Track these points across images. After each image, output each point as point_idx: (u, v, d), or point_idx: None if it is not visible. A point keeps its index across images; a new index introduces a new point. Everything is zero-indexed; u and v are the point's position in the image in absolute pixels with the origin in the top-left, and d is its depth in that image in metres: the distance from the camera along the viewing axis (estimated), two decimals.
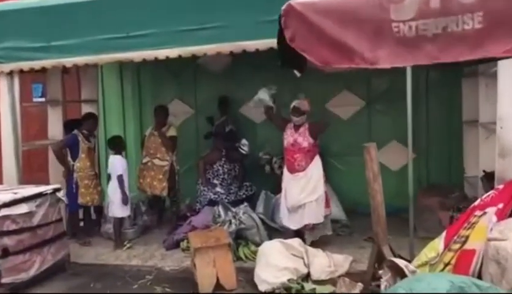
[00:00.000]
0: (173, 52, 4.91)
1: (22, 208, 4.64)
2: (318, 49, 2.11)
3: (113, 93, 7.61)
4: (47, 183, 6.07)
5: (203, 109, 7.49)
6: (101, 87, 7.34)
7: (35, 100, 8.34)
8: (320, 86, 6.79)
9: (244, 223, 5.25)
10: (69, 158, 6.04)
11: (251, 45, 4.69)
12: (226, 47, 4.78)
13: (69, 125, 6.41)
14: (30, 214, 4.73)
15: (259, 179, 6.83)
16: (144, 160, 6.38)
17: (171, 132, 6.36)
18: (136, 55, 5.00)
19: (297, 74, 2.86)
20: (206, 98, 7.51)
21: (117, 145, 6.02)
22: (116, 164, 5.79)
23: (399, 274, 3.50)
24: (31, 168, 7.09)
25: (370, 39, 1.97)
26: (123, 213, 5.82)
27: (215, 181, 6.50)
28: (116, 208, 5.76)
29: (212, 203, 6.17)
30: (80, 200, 6.00)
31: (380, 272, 3.77)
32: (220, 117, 7.04)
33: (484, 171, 4.90)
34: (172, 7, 4.85)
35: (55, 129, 6.20)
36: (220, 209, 5.53)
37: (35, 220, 4.80)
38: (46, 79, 6.97)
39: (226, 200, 6.21)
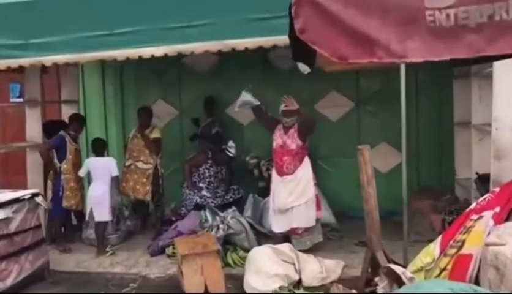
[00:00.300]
0: (158, 50, 4.69)
1: None
2: (333, 41, 1.89)
3: (94, 93, 7.38)
4: (24, 187, 5.82)
5: (188, 110, 7.30)
6: (82, 87, 7.10)
7: (12, 100, 8.02)
8: (308, 87, 6.68)
9: (232, 228, 5.07)
10: (55, 160, 5.82)
11: (240, 43, 4.51)
12: (214, 45, 4.58)
13: (49, 127, 6.16)
14: (6, 221, 4.48)
15: (246, 182, 6.66)
16: (127, 163, 6.16)
17: (155, 134, 6.15)
18: (120, 53, 4.76)
19: (306, 70, 2.66)
20: (191, 98, 7.32)
21: (100, 147, 5.82)
22: (111, 165, 5.63)
23: (396, 280, 3.38)
24: (7, 171, 6.81)
25: (398, 29, 1.73)
26: (110, 217, 5.64)
27: (201, 184, 6.31)
28: (105, 212, 5.55)
29: (199, 207, 5.98)
30: (65, 204, 5.78)
31: (376, 279, 3.63)
32: (206, 119, 6.85)
33: (477, 173, 4.82)
34: (158, 4, 4.63)
35: (33, 131, 5.92)
36: (207, 214, 5.34)
37: (12, 227, 4.55)
38: (24, 78, 6.69)
39: (213, 204, 6.03)
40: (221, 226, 5.05)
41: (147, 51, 4.72)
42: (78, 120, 6.04)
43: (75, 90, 6.87)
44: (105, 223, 5.64)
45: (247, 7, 4.48)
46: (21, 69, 5.61)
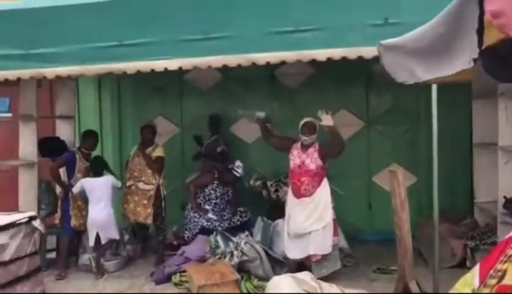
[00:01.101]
0: (172, 63, 4.40)
1: None
2: None
3: (90, 109, 7.04)
4: (15, 209, 5.39)
5: (190, 128, 6.98)
6: (76, 102, 6.73)
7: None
8: (316, 105, 6.33)
9: (246, 255, 4.72)
10: (65, 178, 5.50)
11: (261, 57, 4.26)
12: (233, 59, 4.31)
13: (44, 144, 5.75)
14: (2, 247, 4.04)
15: (253, 204, 6.33)
16: (128, 183, 5.75)
17: (158, 152, 5.78)
18: (130, 66, 4.44)
19: (407, 81, 2.32)
20: (193, 115, 7.01)
21: (100, 167, 5.46)
22: (111, 182, 5.46)
23: None
24: None
25: None
26: (118, 235, 5.49)
27: (207, 206, 5.94)
28: (113, 231, 5.37)
29: (205, 231, 5.61)
30: (73, 222, 5.45)
31: None
32: (210, 137, 6.52)
33: (505, 197, 4.61)
34: (173, 14, 4.36)
35: (27, 148, 5.48)
36: (219, 239, 4.99)
37: (8, 254, 4.10)
38: (13, 92, 6.26)
39: (220, 228, 5.67)
40: (235, 252, 4.70)
41: (160, 64, 4.42)
42: (94, 137, 5.76)
43: (70, 105, 6.48)
44: (114, 241, 5.44)
45: (268, 19, 4.25)
46: (12, 82, 5.21)
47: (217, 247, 4.93)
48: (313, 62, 4.45)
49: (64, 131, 6.39)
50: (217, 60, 4.35)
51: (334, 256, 4.96)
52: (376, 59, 3.41)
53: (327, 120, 4.66)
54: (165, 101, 7.12)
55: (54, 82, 6.20)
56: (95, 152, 5.99)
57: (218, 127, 6.53)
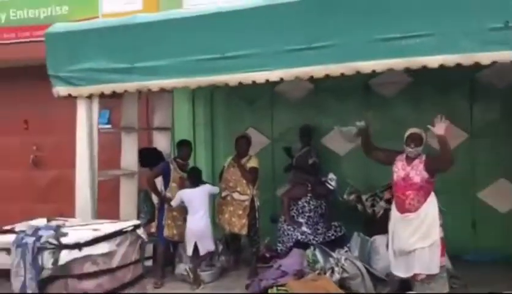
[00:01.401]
0: (272, 75, 4.35)
1: (103, 247, 4.09)
2: None
3: (184, 121, 7.17)
4: (115, 216, 5.61)
5: (280, 139, 6.93)
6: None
7: (100, 126, 7.94)
8: (416, 116, 6.11)
9: (347, 272, 4.53)
10: (161, 188, 5.62)
11: (366, 66, 4.09)
12: (336, 68, 4.18)
13: (144, 155, 5.95)
14: (110, 254, 4.17)
15: (346, 218, 6.12)
16: (223, 194, 5.79)
17: (253, 163, 5.77)
18: (232, 78, 4.46)
19: None
20: (284, 127, 6.96)
21: (196, 177, 5.56)
22: (208, 191, 5.57)
23: None
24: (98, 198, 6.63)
25: None
26: (214, 247, 5.56)
27: (301, 219, 5.82)
28: (210, 242, 5.43)
29: (300, 244, 5.49)
30: (165, 233, 5.55)
31: None
32: (300, 148, 6.42)
33: None
34: (275, 25, 4.31)
35: (129, 158, 5.71)
36: (317, 253, 4.83)
37: (115, 261, 4.23)
38: (112, 104, 6.56)
39: (314, 241, 5.53)
40: (336, 269, 4.53)
41: (260, 76, 4.40)
42: (188, 146, 5.85)
43: (167, 117, 6.67)
44: (210, 253, 5.46)
45: (374, 26, 4.07)
46: (116, 95, 5.43)
47: (315, 261, 4.78)
48: (409, 71, 4.21)
49: (161, 143, 6.58)
50: (319, 70, 4.24)
51: (442, 279, 4.62)
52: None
53: (440, 128, 4.37)
54: (256, 113, 7.13)
55: (150, 95, 6.44)
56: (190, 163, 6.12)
57: (309, 139, 6.42)
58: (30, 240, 3.83)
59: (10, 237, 4.02)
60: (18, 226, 4.32)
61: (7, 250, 3.93)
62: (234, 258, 6.03)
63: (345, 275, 4.54)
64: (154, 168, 5.86)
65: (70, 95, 5.02)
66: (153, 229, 5.89)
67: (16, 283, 3.81)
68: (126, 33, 4.90)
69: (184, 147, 5.85)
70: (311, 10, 4.25)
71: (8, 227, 4.39)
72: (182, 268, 5.50)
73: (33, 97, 8.08)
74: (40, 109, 8.14)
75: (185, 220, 5.57)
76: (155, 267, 5.80)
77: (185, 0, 7.13)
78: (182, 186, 5.64)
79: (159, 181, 5.80)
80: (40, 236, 3.86)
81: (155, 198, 5.96)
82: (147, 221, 5.96)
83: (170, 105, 6.59)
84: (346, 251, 4.86)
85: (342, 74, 4.19)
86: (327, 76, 4.26)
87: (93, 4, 7.35)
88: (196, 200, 5.37)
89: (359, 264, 4.63)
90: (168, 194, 5.58)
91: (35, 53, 6.90)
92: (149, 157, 5.97)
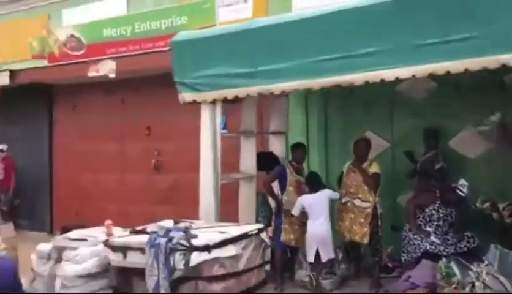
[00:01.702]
0: (403, 72, 4.09)
1: (230, 250, 4.11)
2: None
3: (298, 124, 7.08)
4: (234, 218, 5.66)
5: (401, 143, 6.52)
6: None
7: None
8: None
9: (489, 287, 4.09)
10: (278, 192, 5.60)
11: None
12: (476, 63, 3.80)
13: (261, 158, 5.96)
14: (236, 257, 4.18)
15: (478, 228, 5.57)
16: (343, 200, 5.57)
17: (374, 168, 5.49)
18: (358, 77, 4.27)
19: None
20: (405, 129, 6.53)
21: (315, 182, 5.44)
22: (328, 196, 5.42)
23: None
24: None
25: None
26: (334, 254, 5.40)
27: (428, 228, 5.39)
28: (330, 249, 5.28)
29: (429, 255, 5.09)
30: (283, 237, 5.48)
31: None
32: (425, 152, 5.98)
33: None
34: (405, 18, 4.05)
35: (248, 162, 5.76)
36: (453, 266, 4.43)
37: (241, 265, 4.24)
38: (228, 108, 6.67)
39: (445, 253, 5.09)
40: (477, 283, 4.10)
41: (390, 74, 4.16)
42: (303, 149, 5.80)
43: (283, 121, 6.63)
44: (331, 260, 5.31)
45: None
46: (234, 100, 5.48)
47: (451, 275, 4.38)
48: None
49: (276, 146, 6.55)
50: (456, 66, 3.89)
51: None
52: None
53: None
54: (373, 115, 6.79)
55: (265, 100, 6.44)
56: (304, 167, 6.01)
57: (436, 142, 5.95)
58: (162, 241, 3.96)
59: (143, 238, 4.18)
60: (149, 227, 4.50)
61: (141, 250, 4.08)
62: (355, 266, 5.78)
63: (488, 291, 4.10)
64: (270, 172, 5.85)
65: (194, 101, 5.16)
66: (270, 234, 5.85)
67: (150, 283, 3.95)
68: (247, 38, 4.94)
69: (299, 150, 5.78)
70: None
71: (140, 228, 4.59)
72: (302, 274, 5.38)
73: (155, 105, 8.57)
74: (161, 116, 8.60)
75: (302, 224, 5.47)
76: (272, 272, 5.75)
77: (294, 5, 7.10)
78: (298, 189, 5.55)
79: (275, 185, 5.76)
80: (172, 237, 3.97)
81: (272, 202, 5.93)
82: (265, 225, 5.94)
83: (286, 109, 6.54)
84: (486, 265, 4.39)
85: (485, 68, 3.79)
86: (466, 71, 3.88)
87: (210, 14, 7.59)
88: (317, 205, 5.24)
89: (503, 279, 4.15)
90: (285, 198, 5.51)
91: (157, 63, 7.31)
92: (266, 161, 5.96)
